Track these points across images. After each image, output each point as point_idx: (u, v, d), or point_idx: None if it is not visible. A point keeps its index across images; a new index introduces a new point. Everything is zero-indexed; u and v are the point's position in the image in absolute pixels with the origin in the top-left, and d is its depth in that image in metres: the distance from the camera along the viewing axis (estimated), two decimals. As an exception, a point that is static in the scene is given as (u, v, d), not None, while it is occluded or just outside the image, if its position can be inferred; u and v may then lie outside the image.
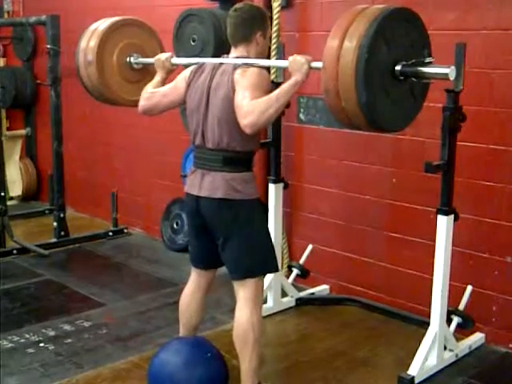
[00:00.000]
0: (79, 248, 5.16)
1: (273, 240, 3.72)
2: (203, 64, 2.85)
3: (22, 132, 6.67)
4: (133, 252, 5.09)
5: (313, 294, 4.13)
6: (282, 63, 2.76)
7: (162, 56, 3.10)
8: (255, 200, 2.77)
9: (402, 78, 2.56)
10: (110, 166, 5.77)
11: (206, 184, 2.73)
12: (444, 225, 3.06)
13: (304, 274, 4.03)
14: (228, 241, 2.75)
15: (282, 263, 4.15)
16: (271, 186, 3.76)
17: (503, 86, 3.33)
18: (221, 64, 2.77)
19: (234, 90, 2.62)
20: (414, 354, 3.11)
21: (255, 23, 2.78)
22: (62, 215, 5.22)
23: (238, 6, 2.83)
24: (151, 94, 2.94)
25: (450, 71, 2.64)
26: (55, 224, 5.20)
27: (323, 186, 4.19)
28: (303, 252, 4.05)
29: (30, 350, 3.38)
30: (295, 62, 2.62)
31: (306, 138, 4.29)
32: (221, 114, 2.68)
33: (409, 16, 2.62)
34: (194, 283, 3.01)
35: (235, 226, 2.73)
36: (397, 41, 2.54)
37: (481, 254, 3.49)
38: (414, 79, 2.61)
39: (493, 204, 3.44)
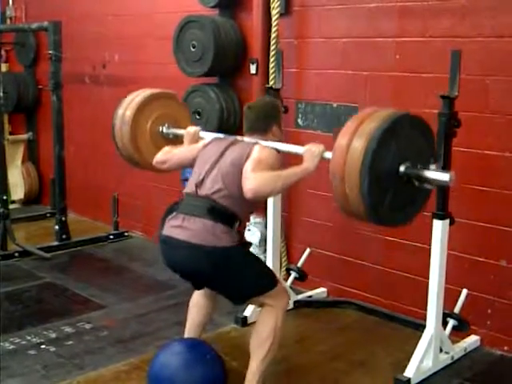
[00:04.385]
0: (80, 251, 5.19)
1: (271, 244, 3.80)
2: (224, 137, 3.01)
3: (24, 136, 6.71)
4: (133, 255, 5.13)
5: (310, 296, 4.16)
6: (298, 150, 2.89)
7: (192, 129, 3.26)
8: (235, 246, 2.74)
9: (405, 178, 2.61)
10: (111, 169, 5.79)
11: (186, 227, 2.73)
12: (439, 229, 3.09)
13: (302, 277, 4.05)
14: (213, 283, 2.86)
15: (281, 266, 4.17)
16: (270, 191, 3.80)
17: (498, 93, 3.37)
18: (242, 140, 2.90)
19: (247, 157, 2.73)
20: (410, 357, 3.14)
21: (270, 119, 2.95)
22: (63, 218, 5.26)
23: (251, 104, 2.99)
24: (169, 150, 3.16)
25: (450, 177, 2.66)
26: (57, 227, 5.24)
27: (321, 190, 4.21)
28: (301, 255, 4.08)
29: (31, 352, 3.40)
30: (310, 152, 2.77)
31: (303, 142, 4.28)
32: (228, 169, 2.76)
33: (416, 123, 2.67)
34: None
35: (216, 272, 2.72)
36: (403, 144, 2.59)
37: (476, 258, 3.53)
38: (416, 182, 2.65)
39: (488, 208, 3.48)
